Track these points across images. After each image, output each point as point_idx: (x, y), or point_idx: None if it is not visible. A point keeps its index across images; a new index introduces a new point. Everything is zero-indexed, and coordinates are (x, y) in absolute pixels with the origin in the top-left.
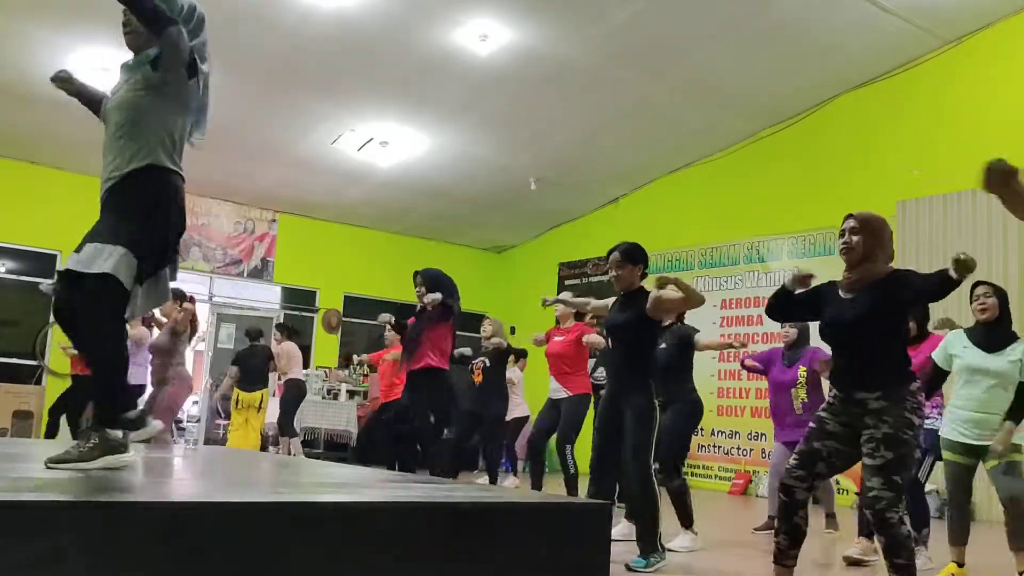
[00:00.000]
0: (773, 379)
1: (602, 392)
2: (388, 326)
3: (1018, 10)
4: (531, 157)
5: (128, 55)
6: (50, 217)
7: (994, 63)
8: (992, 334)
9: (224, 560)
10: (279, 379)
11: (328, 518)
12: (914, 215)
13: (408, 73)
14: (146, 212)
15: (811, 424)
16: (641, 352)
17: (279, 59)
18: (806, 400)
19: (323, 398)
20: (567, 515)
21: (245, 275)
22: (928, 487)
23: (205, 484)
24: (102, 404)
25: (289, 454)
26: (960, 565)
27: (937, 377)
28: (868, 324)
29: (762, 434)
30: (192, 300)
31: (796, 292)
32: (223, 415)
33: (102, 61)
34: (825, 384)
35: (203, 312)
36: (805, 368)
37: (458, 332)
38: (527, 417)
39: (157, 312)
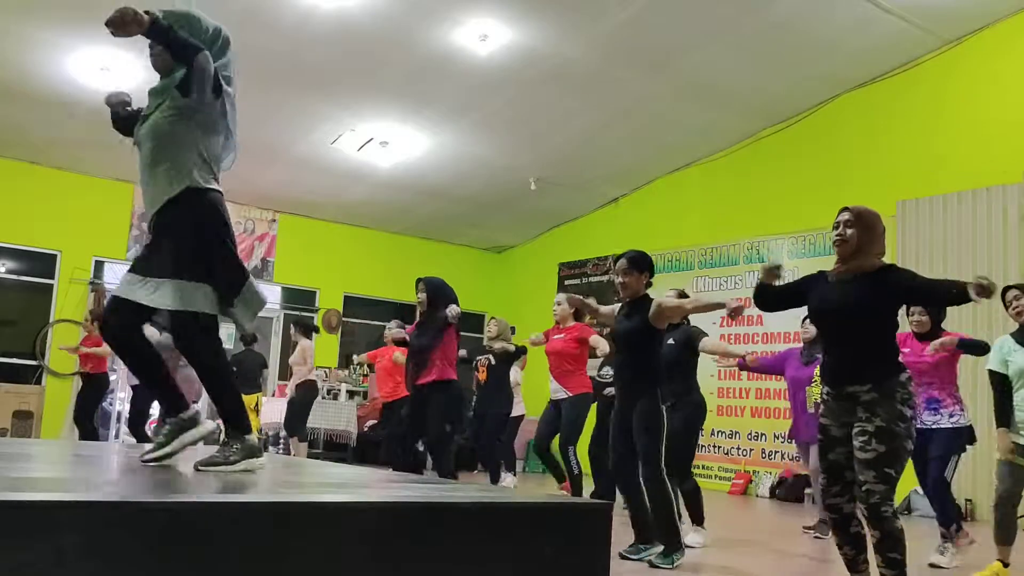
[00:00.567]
0: (790, 377)
1: (604, 391)
2: (391, 334)
3: (1018, 10)
4: (531, 157)
5: (153, 76)
6: (51, 217)
7: (994, 63)
8: None
9: (224, 560)
10: (291, 377)
11: (328, 518)
12: (914, 215)
13: (408, 73)
14: (194, 235)
15: (819, 436)
16: (648, 359)
17: (279, 59)
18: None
19: (323, 398)
20: (567, 515)
21: None
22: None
23: (205, 484)
24: (231, 414)
25: (289, 454)
26: (1005, 565)
27: (1003, 385)
28: (857, 312)
29: (762, 434)
30: None
31: (776, 284)
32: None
33: (103, 61)
34: None
35: None
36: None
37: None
38: (523, 416)
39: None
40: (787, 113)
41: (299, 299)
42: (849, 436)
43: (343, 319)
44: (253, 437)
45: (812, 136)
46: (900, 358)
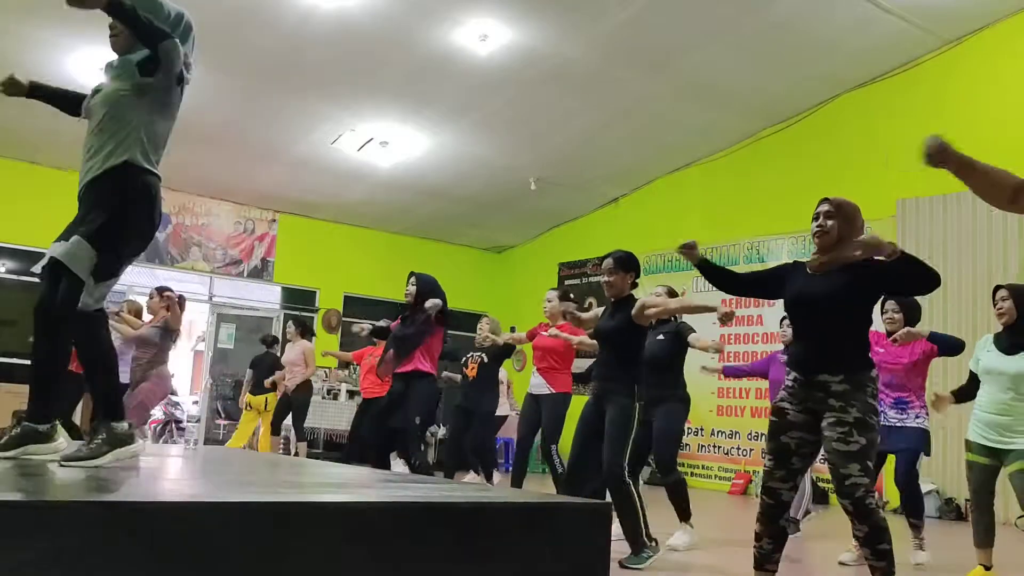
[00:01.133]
0: (773, 379)
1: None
2: (367, 331)
3: (1018, 10)
4: (531, 157)
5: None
6: (50, 217)
7: (994, 63)
8: (1011, 336)
9: (224, 560)
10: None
11: (328, 518)
12: (914, 215)
13: (408, 73)
14: (120, 210)
15: (772, 417)
16: (628, 357)
17: (280, 59)
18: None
19: (323, 398)
20: (567, 515)
21: (245, 275)
22: (928, 487)
23: (205, 484)
24: (104, 398)
25: (289, 454)
26: (987, 568)
27: (972, 382)
28: (833, 304)
29: (762, 434)
30: (182, 299)
31: (762, 272)
32: (222, 415)
33: (103, 61)
34: None
35: (203, 312)
36: None
37: (457, 332)
38: (507, 416)
39: (145, 312)
40: (787, 113)
41: (299, 299)
42: (808, 423)
43: (343, 319)
44: (123, 425)
45: (812, 136)
46: (875, 357)
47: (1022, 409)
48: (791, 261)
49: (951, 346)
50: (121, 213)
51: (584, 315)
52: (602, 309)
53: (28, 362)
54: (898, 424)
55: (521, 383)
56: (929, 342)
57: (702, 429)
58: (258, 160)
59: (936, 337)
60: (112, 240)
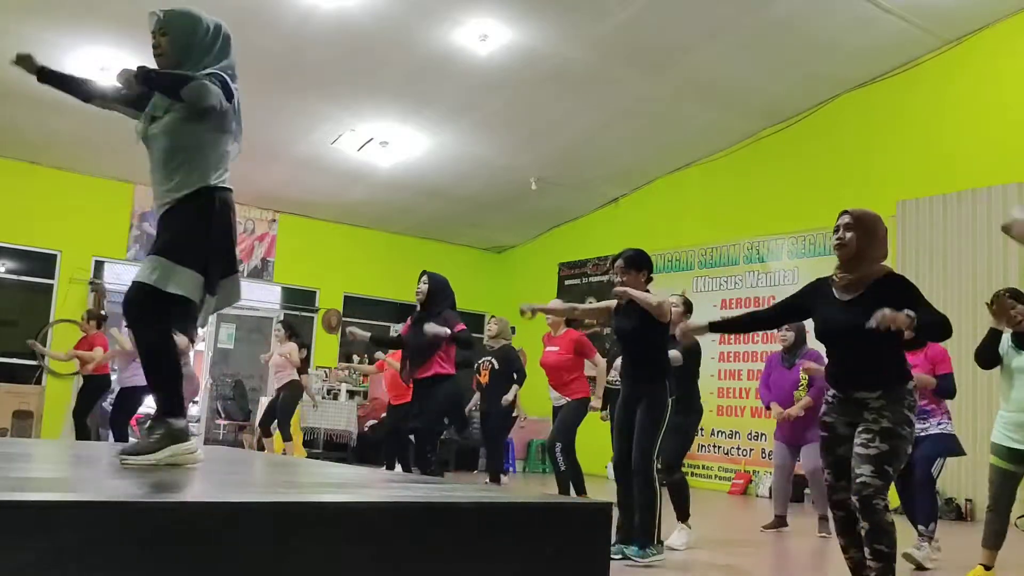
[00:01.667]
0: (774, 382)
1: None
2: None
3: (1018, 10)
4: (531, 157)
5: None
6: (51, 217)
7: (994, 63)
8: None
9: (224, 560)
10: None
11: (328, 518)
12: (914, 215)
13: (408, 73)
14: (203, 231)
15: (823, 433)
16: (651, 354)
17: (279, 59)
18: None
19: (323, 398)
20: (567, 515)
21: (245, 275)
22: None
23: (205, 484)
24: (164, 396)
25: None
26: (987, 568)
27: (992, 350)
28: (864, 333)
29: (762, 434)
30: None
31: (788, 300)
32: (222, 415)
33: (103, 61)
34: None
35: None
36: (809, 378)
37: None
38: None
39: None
40: (787, 113)
41: (299, 299)
42: (852, 435)
43: (343, 319)
44: (181, 422)
45: (812, 136)
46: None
47: None
48: (814, 280)
49: (947, 391)
50: (204, 234)
51: (579, 307)
52: (610, 303)
53: (28, 362)
54: (921, 434)
55: (532, 385)
56: (932, 377)
57: (702, 429)
58: (258, 160)
59: (941, 388)
60: (200, 258)
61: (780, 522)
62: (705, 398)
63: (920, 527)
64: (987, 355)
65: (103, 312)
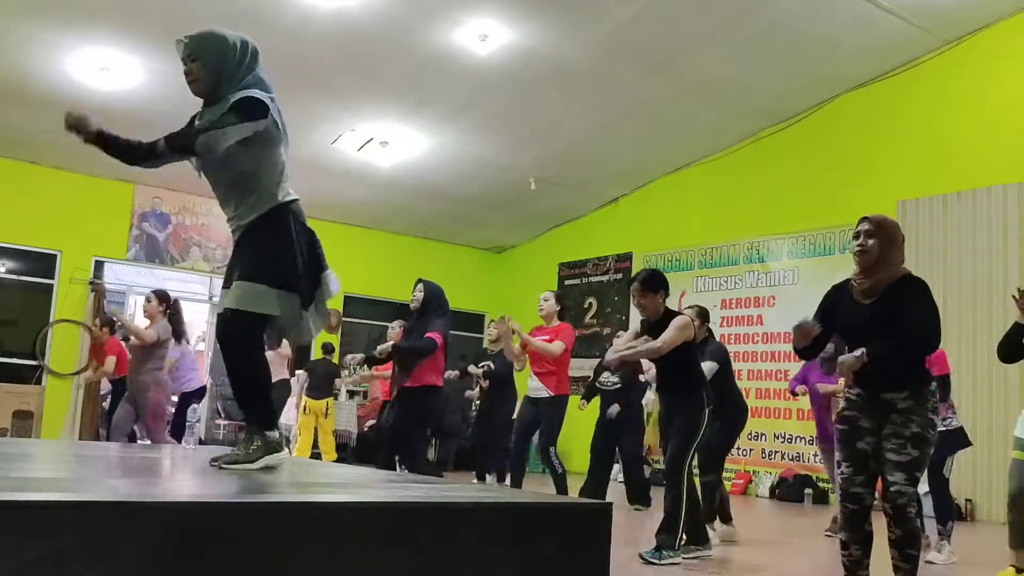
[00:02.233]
0: (813, 389)
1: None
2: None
3: (1018, 10)
4: (531, 157)
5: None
6: (51, 217)
7: (994, 63)
8: None
9: (224, 560)
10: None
11: (328, 518)
12: (914, 215)
13: (408, 73)
14: (281, 247)
15: (841, 426)
16: (683, 372)
17: (279, 59)
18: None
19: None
20: (567, 515)
21: None
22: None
23: (205, 484)
24: (258, 409)
25: None
26: (1019, 570)
27: (1014, 344)
28: (894, 330)
29: (762, 434)
30: (176, 302)
31: (816, 333)
32: (222, 415)
33: (103, 61)
34: None
35: (203, 312)
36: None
37: (457, 332)
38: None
39: (140, 315)
40: (787, 113)
41: None
42: (877, 428)
43: (343, 319)
44: (274, 433)
45: (812, 136)
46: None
47: None
48: (830, 290)
49: (943, 393)
50: (285, 252)
51: (621, 353)
52: (631, 332)
53: (28, 362)
54: None
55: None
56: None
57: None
58: None
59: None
60: (286, 276)
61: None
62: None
63: (939, 527)
64: (1009, 349)
65: (107, 313)
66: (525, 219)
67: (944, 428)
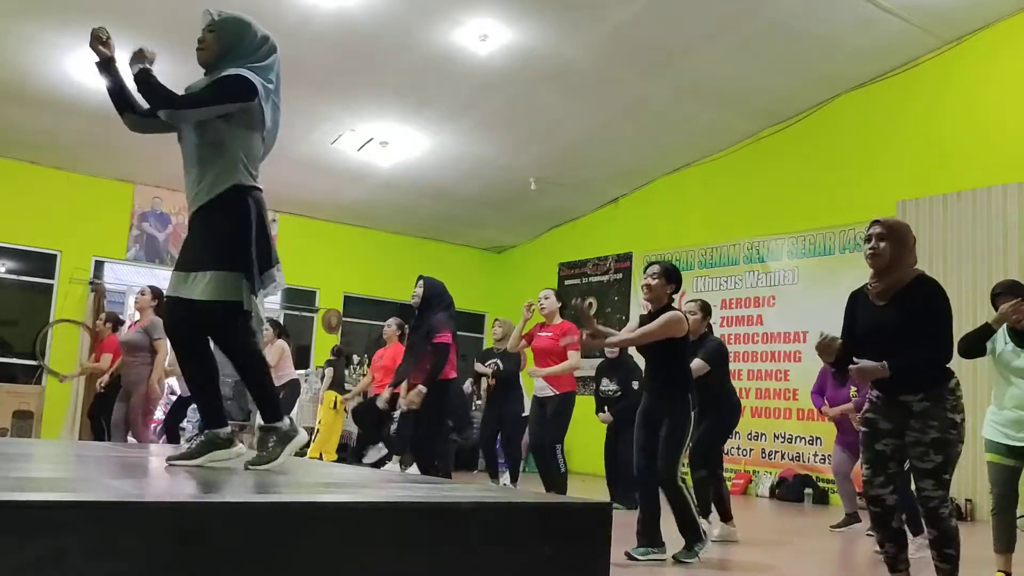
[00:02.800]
0: (830, 398)
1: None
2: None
3: (1018, 10)
4: (531, 157)
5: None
6: (51, 217)
7: (994, 63)
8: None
9: (224, 560)
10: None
11: (328, 518)
12: (914, 215)
13: (408, 73)
14: (234, 228)
15: (863, 428)
16: (672, 370)
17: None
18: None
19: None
20: (567, 515)
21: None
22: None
23: (205, 484)
24: (265, 404)
25: None
26: (1007, 574)
27: (981, 343)
28: (898, 335)
29: (762, 434)
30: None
31: (846, 327)
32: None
33: None
34: None
35: None
36: (856, 388)
37: (459, 332)
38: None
39: (131, 309)
40: (787, 113)
41: (299, 299)
42: (897, 429)
43: (343, 319)
44: (286, 422)
45: (812, 136)
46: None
47: None
48: (849, 297)
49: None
50: (239, 234)
51: (604, 329)
52: (632, 324)
53: (28, 362)
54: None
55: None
56: None
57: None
58: None
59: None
60: (242, 259)
61: (853, 519)
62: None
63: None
64: (972, 345)
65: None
66: (525, 219)
67: None
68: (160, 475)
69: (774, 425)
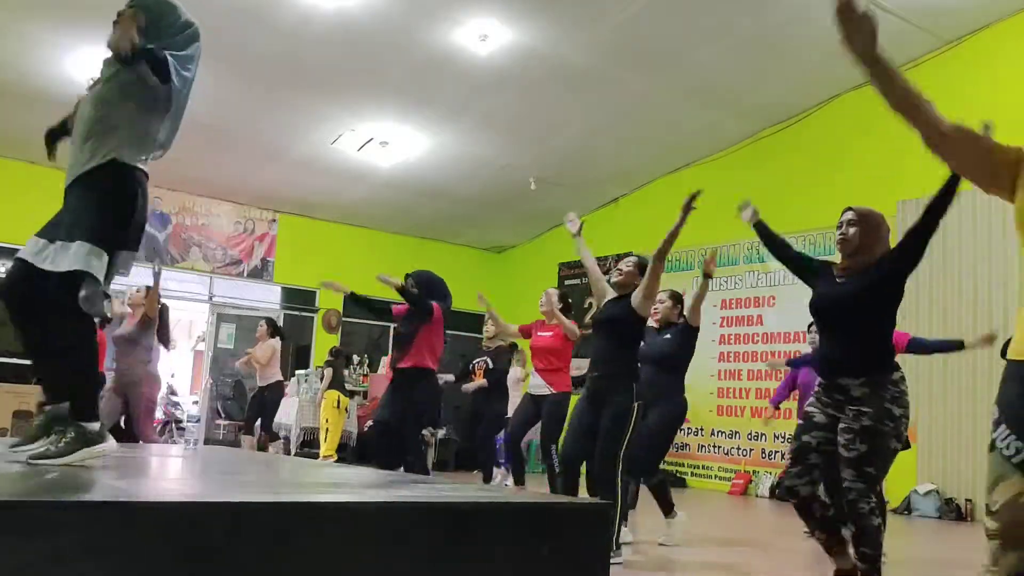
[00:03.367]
0: (803, 382)
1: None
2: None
3: (1018, 10)
4: (531, 157)
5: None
6: (50, 217)
7: (994, 63)
8: None
9: (224, 560)
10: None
11: (328, 518)
12: (914, 215)
13: (408, 73)
14: (109, 207)
15: (799, 420)
16: (625, 350)
17: (280, 59)
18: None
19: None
20: (567, 515)
21: (245, 275)
22: (928, 487)
23: (205, 484)
24: (78, 397)
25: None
26: None
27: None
28: (852, 307)
29: (762, 434)
30: (164, 308)
31: (805, 255)
32: (222, 415)
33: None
34: None
35: (203, 312)
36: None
37: (457, 332)
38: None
39: (122, 303)
40: (787, 113)
41: (299, 299)
42: (830, 423)
43: (343, 319)
44: (95, 425)
45: (812, 136)
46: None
47: None
48: (825, 261)
49: (919, 345)
50: (108, 211)
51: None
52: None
53: (28, 362)
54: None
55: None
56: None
57: (702, 429)
58: (258, 160)
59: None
60: (108, 239)
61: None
62: (705, 398)
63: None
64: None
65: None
66: (525, 219)
67: None
68: (160, 475)
69: (774, 425)
